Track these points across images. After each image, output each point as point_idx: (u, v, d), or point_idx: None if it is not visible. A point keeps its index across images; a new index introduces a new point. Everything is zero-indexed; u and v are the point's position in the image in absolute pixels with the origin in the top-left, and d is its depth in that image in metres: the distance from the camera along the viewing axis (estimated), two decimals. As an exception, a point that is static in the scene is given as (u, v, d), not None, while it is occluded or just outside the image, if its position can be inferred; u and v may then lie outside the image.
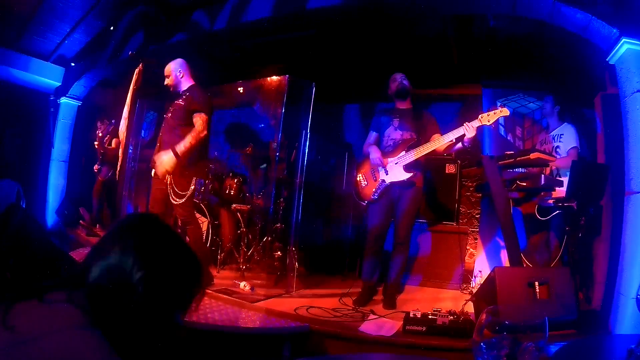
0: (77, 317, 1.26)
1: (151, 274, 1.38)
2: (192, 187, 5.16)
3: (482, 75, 7.15)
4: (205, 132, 4.99)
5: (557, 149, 5.67)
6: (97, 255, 1.43)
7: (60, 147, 8.86)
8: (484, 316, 1.39)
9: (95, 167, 8.65)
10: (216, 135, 9.57)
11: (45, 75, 8.49)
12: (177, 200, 5.04)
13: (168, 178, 5.05)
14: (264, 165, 7.60)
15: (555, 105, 5.85)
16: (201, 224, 6.54)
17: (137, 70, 5.07)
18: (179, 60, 5.35)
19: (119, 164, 5.29)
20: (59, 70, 8.67)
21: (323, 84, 6.13)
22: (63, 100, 8.79)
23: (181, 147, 4.86)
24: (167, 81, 5.23)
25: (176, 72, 5.27)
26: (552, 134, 5.82)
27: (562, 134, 5.69)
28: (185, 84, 5.26)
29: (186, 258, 1.52)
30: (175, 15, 7.09)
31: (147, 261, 1.39)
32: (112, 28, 7.74)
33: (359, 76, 7.71)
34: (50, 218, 8.68)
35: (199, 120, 5.01)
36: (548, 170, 5.49)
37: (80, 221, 8.66)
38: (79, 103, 8.98)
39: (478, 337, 1.38)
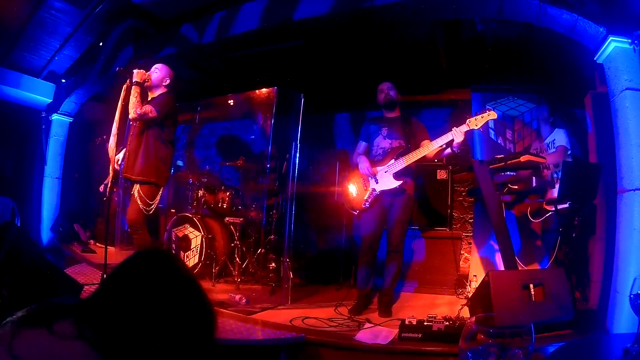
0: (84, 350, 1.24)
1: (166, 312, 1.37)
2: (157, 200, 5.21)
3: (471, 80, 7.17)
4: (138, 113, 4.96)
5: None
6: (111, 289, 1.42)
7: (52, 163, 8.83)
8: (471, 324, 1.37)
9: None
10: (208, 148, 9.60)
11: (36, 92, 8.48)
12: (146, 209, 5.07)
13: (136, 191, 5.09)
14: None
15: (551, 115, 5.87)
16: (195, 238, 6.54)
17: (124, 87, 5.05)
18: (172, 73, 5.36)
19: (109, 179, 5.26)
20: (49, 87, 8.66)
21: (313, 93, 6.14)
22: (55, 116, 8.78)
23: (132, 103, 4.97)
24: (152, 76, 5.23)
25: (165, 79, 5.28)
26: (546, 141, 5.83)
27: (555, 139, 5.71)
28: (159, 92, 5.27)
29: (198, 296, 1.51)
30: (164, 29, 7.09)
31: (162, 299, 1.38)
32: (101, 43, 7.74)
33: (348, 85, 7.73)
34: (45, 235, 8.66)
35: (147, 106, 5.04)
36: (547, 173, 5.50)
37: (84, 239, 8.68)
38: (71, 119, 8.97)
39: (465, 345, 1.36)
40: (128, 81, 5.04)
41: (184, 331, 1.39)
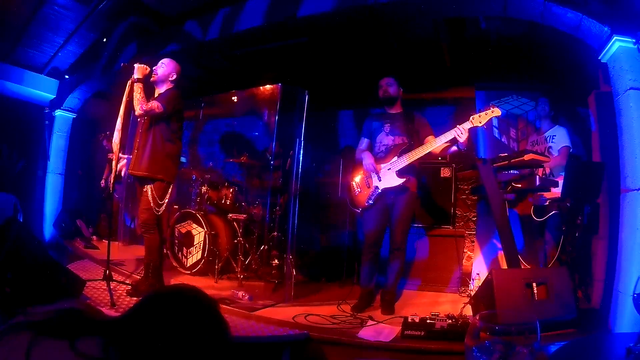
0: None
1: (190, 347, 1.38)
2: (167, 199, 5.21)
3: (475, 78, 7.16)
4: (144, 109, 4.95)
5: (550, 150, 5.67)
6: (142, 318, 1.43)
7: (55, 160, 8.84)
8: (476, 321, 1.37)
9: None
10: (211, 144, 9.60)
11: (39, 88, 8.50)
12: (156, 208, 5.09)
13: (148, 189, 5.09)
14: None
15: (551, 110, 5.85)
16: (197, 234, 6.54)
17: (129, 82, 5.03)
18: (179, 68, 5.34)
19: (112, 175, 5.28)
20: (53, 83, 8.67)
21: (316, 90, 6.13)
22: (58, 112, 8.79)
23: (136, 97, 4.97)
24: (158, 70, 5.22)
25: (172, 75, 5.27)
26: (545, 134, 5.82)
27: (555, 135, 5.70)
28: (165, 87, 5.26)
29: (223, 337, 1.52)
30: (168, 25, 7.09)
31: (191, 336, 1.39)
32: (104, 40, 7.74)
33: (352, 82, 7.73)
34: (48, 231, 8.67)
35: (154, 102, 5.03)
36: (541, 172, 5.49)
37: (87, 235, 8.69)
38: (74, 115, 8.98)
39: (470, 342, 1.36)
40: (132, 77, 5.03)
41: None
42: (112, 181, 5.33)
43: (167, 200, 5.19)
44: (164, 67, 5.24)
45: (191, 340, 1.38)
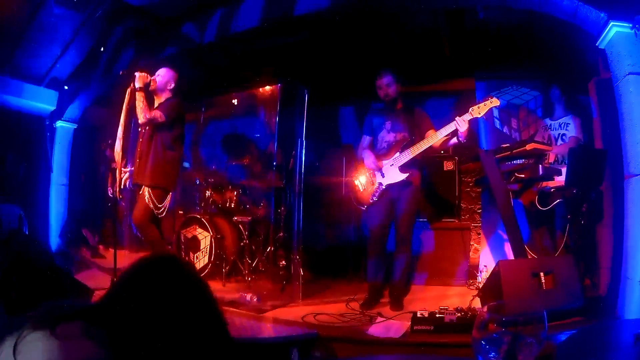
0: (93, 350, 1.24)
1: (175, 316, 1.38)
2: (166, 203, 5.21)
3: (475, 69, 7.14)
4: (147, 117, 4.97)
5: (563, 137, 5.67)
6: (122, 292, 1.43)
7: (58, 170, 8.83)
8: (484, 313, 1.37)
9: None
10: (213, 146, 9.57)
11: (39, 100, 8.47)
12: (157, 212, 5.09)
13: (146, 192, 5.08)
14: None
15: (562, 95, 5.85)
16: (204, 239, 6.54)
17: (128, 90, 5.04)
18: (176, 75, 5.36)
19: (117, 183, 5.29)
20: (52, 94, 8.65)
21: (316, 87, 6.14)
22: (59, 123, 8.76)
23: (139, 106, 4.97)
24: (157, 79, 5.23)
25: (169, 83, 5.28)
26: (558, 121, 5.81)
27: (569, 124, 5.69)
28: (165, 96, 5.27)
29: (206, 299, 1.51)
30: (165, 28, 7.08)
31: (173, 303, 1.39)
32: (102, 49, 7.72)
33: (352, 77, 7.69)
34: (54, 241, 8.67)
35: (156, 112, 5.05)
36: (552, 157, 5.49)
37: (92, 243, 8.70)
38: (75, 126, 8.95)
39: (478, 334, 1.36)
40: (132, 85, 5.04)
41: (196, 332, 1.40)
42: (117, 189, 5.34)
43: (166, 203, 5.19)
44: (161, 77, 5.25)
45: (173, 305, 1.38)
